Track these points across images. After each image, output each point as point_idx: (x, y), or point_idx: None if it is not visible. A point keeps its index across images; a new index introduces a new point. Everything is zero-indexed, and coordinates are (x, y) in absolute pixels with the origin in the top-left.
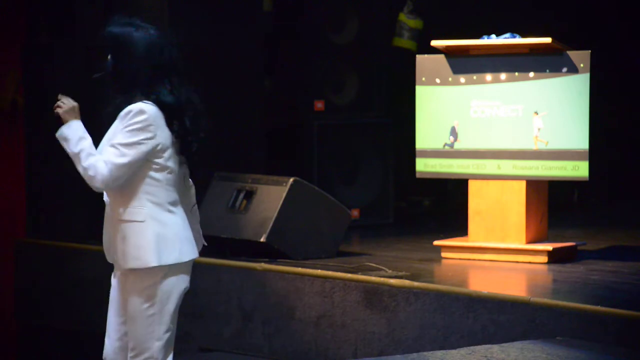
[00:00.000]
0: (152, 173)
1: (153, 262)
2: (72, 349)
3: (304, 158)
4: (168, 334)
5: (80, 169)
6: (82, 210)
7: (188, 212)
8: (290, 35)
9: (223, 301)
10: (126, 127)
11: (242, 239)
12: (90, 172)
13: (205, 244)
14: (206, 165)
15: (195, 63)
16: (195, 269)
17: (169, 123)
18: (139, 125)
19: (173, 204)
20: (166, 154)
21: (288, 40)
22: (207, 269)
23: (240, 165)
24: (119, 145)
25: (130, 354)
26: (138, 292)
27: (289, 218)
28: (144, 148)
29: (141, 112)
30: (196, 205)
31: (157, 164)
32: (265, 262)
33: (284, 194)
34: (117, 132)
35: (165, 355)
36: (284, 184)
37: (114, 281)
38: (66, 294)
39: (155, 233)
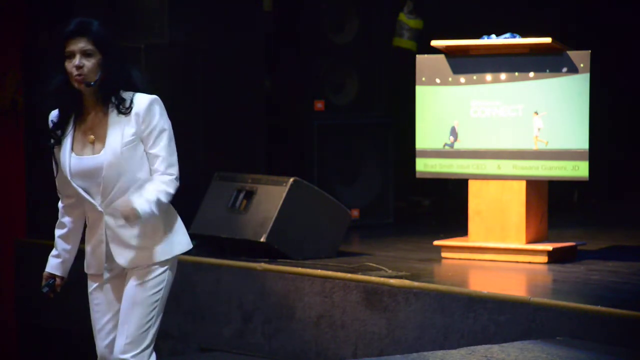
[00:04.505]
0: None
1: (190, 244)
2: (71, 349)
3: (304, 158)
4: (160, 321)
5: (169, 199)
6: None
7: None
8: (290, 35)
9: (223, 301)
10: (156, 116)
11: (242, 239)
12: (173, 187)
13: None
14: (206, 165)
15: (195, 63)
16: (195, 269)
17: None
18: (165, 113)
19: None
20: None
21: (288, 40)
22: (207, 269)
23: (240, 165)
24: (167, 144)
25: (125, 341)
26: (150, 279)
27: (289, 218)
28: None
29: (159, 100)
30: None
31: None
32: (265, 262)
33: (284, 194)
34: (144, 126)
35: (154, 343)
36: (284, 184)
37: (102, 285)
38: (66, 294)
39: (178, 218)
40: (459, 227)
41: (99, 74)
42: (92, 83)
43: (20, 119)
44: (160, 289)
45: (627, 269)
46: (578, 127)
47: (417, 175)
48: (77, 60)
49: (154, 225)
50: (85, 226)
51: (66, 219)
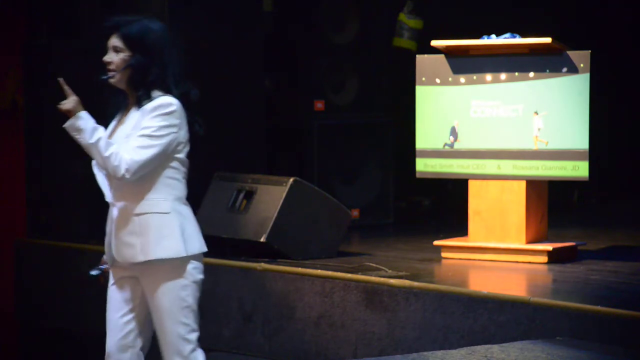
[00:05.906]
0: (174, 166)
1: (182, 252)
2: (72, 349)
3: (304, 158)
4: (197, 325)
5: (99, 159)
6: (82, 210)
7: None
8: (290, 35)
9: (223, 301)
10: (154, 119)
11: (242, 239)
12: (114, 162)
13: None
14: (206, 165)
15: (195, 63)
16: None
17: (192, 120)
18: (167, 119)
19: (186, 197)
20: (185, 149)
21: (288, 40)
22: (207, 269)
23: (240, 165)
24: (146, 137)
25: (167, 352)
26: (170, 284)
27: (289, 218)
28: (168, 140)
29: (170, 105)
30: None
31: (177, 158)
32: (265, 262)
33: (284, 194)
34: (140, 124)
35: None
36: (284, 184)
37: (118, 280)
38: (66, 294)
39: (179, 224)
40: (459, 227)
41: (123, 70)
42: (103, 77)
43: (20, 119)
44: (187, 295)
45: (627, 269)
46: (578, 127)
47: (417, 175)
48: (106, 55)
49: (143, 224)
50: None
51: None
